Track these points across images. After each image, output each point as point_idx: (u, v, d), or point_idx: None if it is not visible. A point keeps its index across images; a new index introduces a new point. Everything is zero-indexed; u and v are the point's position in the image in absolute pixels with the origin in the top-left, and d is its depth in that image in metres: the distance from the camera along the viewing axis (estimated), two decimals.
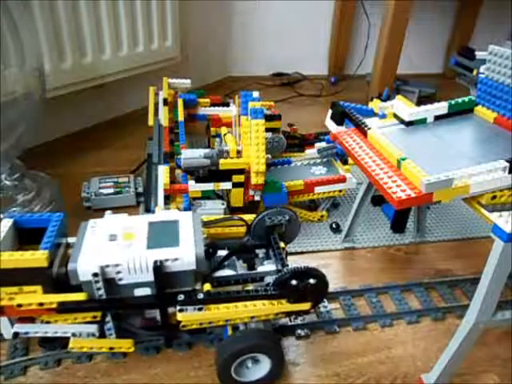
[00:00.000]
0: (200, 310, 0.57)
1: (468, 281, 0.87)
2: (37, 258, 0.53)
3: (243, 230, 0.71)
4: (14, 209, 0.89)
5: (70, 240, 0.63)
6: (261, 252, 0.70)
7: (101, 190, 1.04)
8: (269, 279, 0.63)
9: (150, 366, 0.67)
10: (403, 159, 0.61)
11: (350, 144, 0.73)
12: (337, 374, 0.68)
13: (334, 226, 1.01)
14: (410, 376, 0.68)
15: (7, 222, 0.60)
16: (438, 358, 0.63)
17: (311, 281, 0.59)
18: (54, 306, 0.55)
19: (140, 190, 1.07)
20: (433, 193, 0.56)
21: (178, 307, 0.57)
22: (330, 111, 0.82)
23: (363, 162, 0.67)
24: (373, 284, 0.85)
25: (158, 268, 0.55)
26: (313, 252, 0.94)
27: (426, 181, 0.55)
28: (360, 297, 0.82)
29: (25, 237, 0.61)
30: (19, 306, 0.54)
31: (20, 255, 0.53)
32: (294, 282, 0.59)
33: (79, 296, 0.55)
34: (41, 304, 0.54)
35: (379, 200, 1.08)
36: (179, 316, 0.57)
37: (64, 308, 0.55)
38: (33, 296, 0.55)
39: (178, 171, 0.95)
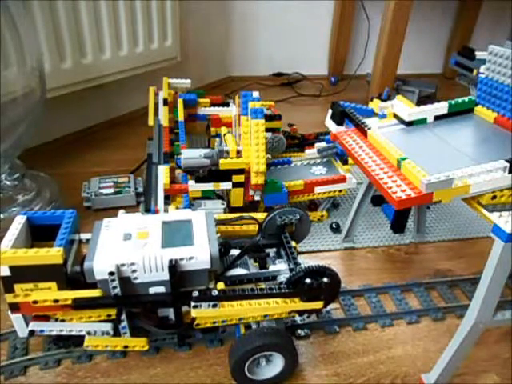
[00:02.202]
0: (214, 306, 0.57)
1: (468, 281, 0.87)
2: (52, 255, 0.53)
3: (253, 227, 0.71)
4: (14, 209, 0.89)
5: (83, 236, 0.63)
6: (272, 251, 0.71)
7: (101, 190, 1.04)
8: (281, 278, 0.63)
9: (150, 365, 0.67)
10: (403, 159, 0.61)
11: (350, 144, 0.73)
12: (337, 374, 0.68)
13: (333, 225, 1.01)
14: (409, 376, 0.68)
15: (21, 219, 0.60)
16: (438, 358, 0.63)
17: (325, 279, 0.59)
18: (69, 302, 0.55)
19: (140, 190, 1.07)
20: (433, 193, 0.56)
21: (193, 303, 0.57)
22: (329, 111, 0.82)
23: (363, 162, 0.66)
24: (373, 284, 0.85)
25: (173, 267, 0.55)
26: (313, 252, 0.95)
27: (427, 181, 0.55)
28: (360, 297, 0.82)
29: (38, 234, 0.62)
30: (35, 302, 0.55)
31: (35, 252, 0.53)
32: (308, 281, 0.59)
33: (94, 293, 0.56)
34: (56, 301, 0.55)
35: (379, 200, 1.08)
36: (193, 312, 0.57)
37: (79, 304, 0.56)
38: (48, 293, 0.55)
39: (178, 171, 0.95)
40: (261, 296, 0.59)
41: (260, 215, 0.71)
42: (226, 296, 0.58)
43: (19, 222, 0.60)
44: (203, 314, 0.58)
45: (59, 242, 0.57)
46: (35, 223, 0.62)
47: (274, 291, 0.60)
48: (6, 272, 0.53)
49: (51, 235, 0.59)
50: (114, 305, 0.57)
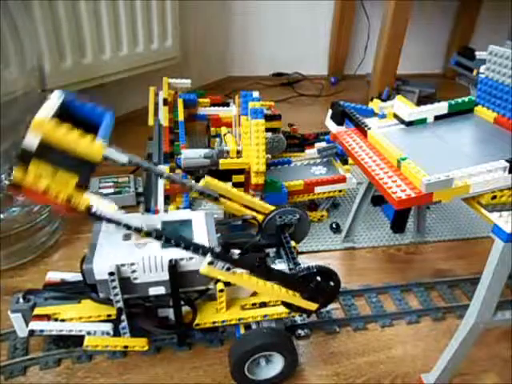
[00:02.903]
0: (228, 269, 0.55)
1: (468, 281, 0.87)
2: (95, 148, 0.46)
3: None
4: (14, 209, 0.89)
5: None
6: (272, 251, 0.71)
7: (101, 190, 1.04)
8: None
9: (150, 365, 0.67)
10: (403, 159, 0.61)
11: (350, 144, 0.73)
12: (337, 374, 0.68)
13: (333, 226, 1.01)
14: (410, 376, 0.68)
15: (58, 97, 0.51)
16: (437, 358, 0.64)
17: (331, 283, 0.59)
18: (83, 207, 0.48)
19: (140, 190, 1.07)
20: (433, 193, 0.56)
21: (209, 259, 0.53)
22: (330, 111, 0.82)
23: (363, 162, 0.66)
24: (373, 284, 0.85)
25: (173, 267, 0.55)
26: (313, 252, 0.94)
27: (427, 181, 0.55)
28: (360, 297, 0.82)
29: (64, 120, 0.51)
30: (44, 191, 0.46)
31: (78, 137, 0.45)
32: (318, 279, 0.59)
33: (112, 207, 0.51)
34: (69, 200, 0.47)
35: (379, 200, 1.08)
36: (205, 268, 0.54)
37: (92, 214, 0.49)
38: (65, 186, 0.47)
39: (177, 171, 0.95)
40: (274, 277, 0.58)
41: (267, 206, 0.71)
42: (243, 264, 0.55)
43: (56, 98, 0.50)
44: (213, 273, 0.55)
45: (102, 137, 0.48)
46: (68, 110, 0.51)
47: (288, 276, 0.59)
48: (33, 143, 0.44)
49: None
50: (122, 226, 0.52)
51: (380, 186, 0.60)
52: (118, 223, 0.51)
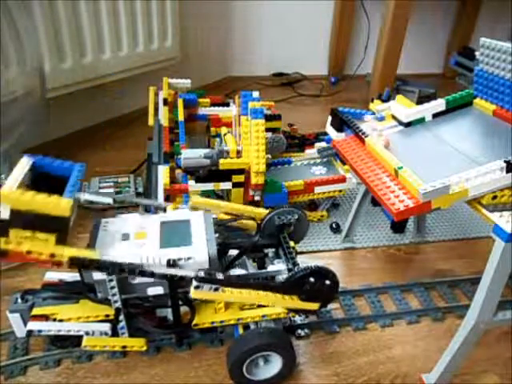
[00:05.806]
0: (216, 290, 0.56)
1: (468, 281, 0.87)
2: (61, 205, 0.49)
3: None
4: None
5: (83, 196, 0.62)
6: (270, 251, 0.71)
7: (101, 190, 1.04)
8: (280, 278, 0.63)
9: (150, 365, 0.67)
10: (400, 168, 0.60)
11: (349, 154, 0.72)
12: (337, 374, 0.68)
13: (333, 226, 1.01)
14: (410, 376, 0.68)
15: (26, 163, 0.56)
16: (438, 358, 0.63)
17: (327, 282, 0.59)
18: (65, 259, 0.52)
19: (140, 190, 1.07)
20: (431, 201, 0.55)
21: (195, 283, 0.55)
22: (329, 118, 0.82)
23: (362, 173, 0.66)
24: (373, 284, 0.85)
25: (171, 267, 0.55)
26: (313, 252, 0.94)
27: (423, 190, 0.54)
28: (360, 297, 0.82)
29: (39, 181, 0.57)
30: (28, 252, 0.51)
31: (43, 199, 0.49)
32: (312, 280, 0.59)
33: (92, 254, 0.53)
34: (52, 255, 0.51)
35: None
36: (193, 293, 0.55)
37: (75, 263, 0.52)
38: (45, 245, 0.51)
39: (178, 171, 0.95)
40: (262, 287, 0.59)
41: (261, 210, 0.71)
42: (229, 282, 0.57)
43: (24, 165, 0.56)
44: (203, 295, 0.56)
45: (69, 193, 0.53)
46: (39, 170, 0.57)
47: (277, 284, 0.60)
48: (5, 214, 0.49)
49: (54, 186, 0.54)
50: (106, 270, 0.54)
51: (379, 198, 0.60)
52: (98, 268, 0.54)
